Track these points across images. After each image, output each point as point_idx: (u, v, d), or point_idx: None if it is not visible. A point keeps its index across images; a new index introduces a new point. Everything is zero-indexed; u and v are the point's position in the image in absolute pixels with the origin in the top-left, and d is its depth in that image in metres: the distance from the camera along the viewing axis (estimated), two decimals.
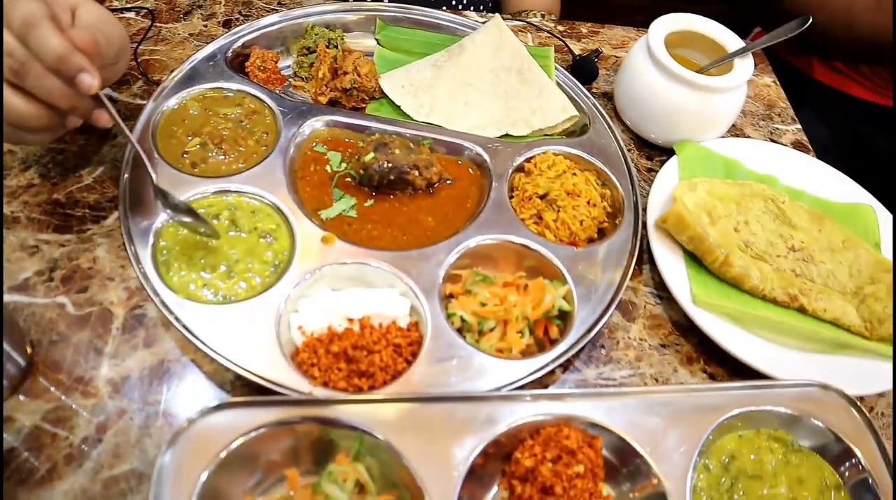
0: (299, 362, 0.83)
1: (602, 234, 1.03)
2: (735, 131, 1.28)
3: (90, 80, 0.78)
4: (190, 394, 0.83)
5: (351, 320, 0.85)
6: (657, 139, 1.19)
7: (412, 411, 0.77)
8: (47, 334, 0.85)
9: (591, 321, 0.91)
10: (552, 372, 0.87)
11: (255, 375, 0.80)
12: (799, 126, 1.32)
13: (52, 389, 0.82)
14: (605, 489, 0.77)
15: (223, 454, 0.71)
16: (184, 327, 0.82)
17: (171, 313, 0.83)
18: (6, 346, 0.79)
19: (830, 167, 1.20)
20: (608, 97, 1.28)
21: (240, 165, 1.00)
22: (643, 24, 1.42)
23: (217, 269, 0.88)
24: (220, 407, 0.73)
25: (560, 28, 1.42)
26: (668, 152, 1.17)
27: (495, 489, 0.79)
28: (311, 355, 0.83)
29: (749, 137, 1.28)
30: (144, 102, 1.07)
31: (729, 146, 1.19)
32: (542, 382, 0.87)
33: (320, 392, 0.80)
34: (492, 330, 0.89)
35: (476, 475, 0.75)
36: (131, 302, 0.89)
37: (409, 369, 0.83)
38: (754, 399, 0.82)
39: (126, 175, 0.95)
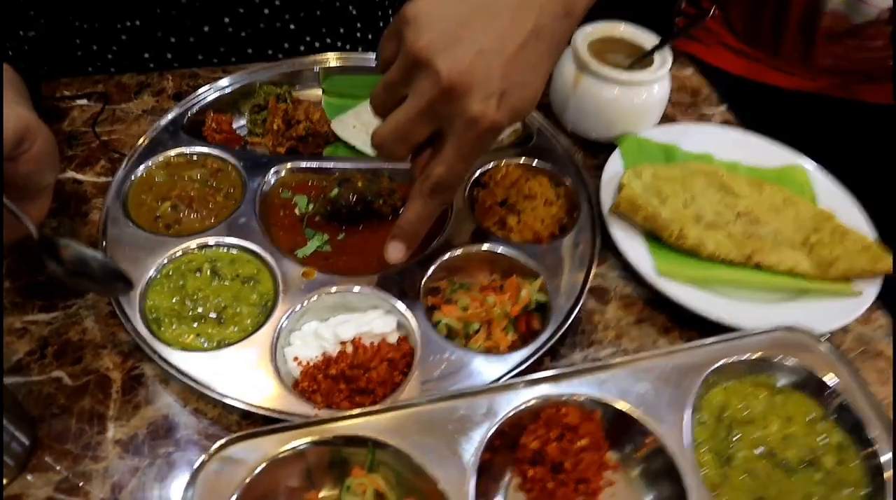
0: (301, 391, 0.86)
1: (564, 230, 1.10)
2: (667, 120, 1.37)
3: None
4: (199, 440, 0.85)
5: (343, 343, 0.88)
6: (599, 138, 1.27)
7: (416, 416, 0.79)
8: (48, 408, 0.86)
9: (567, 308, 0.96)
10: (541, 361, 0.92)
11: (260, 407, 0.82)
12: (725, 107, 1.42)
13: (62, 459, 0.82)
14: (611, 457, 0.81)
15: (235, 497, 0.72)
16: (185, 376, 0.85)
17: (171, 366, 0.86)
18: (9, 426, 0.80)
19: (758, 136, 1.29)
20: (547, 108, 1.36)
21: (212, 220, 1.04)
22: None
23: (207, 318, 0.91)
24: (225, 446, 0.74)
25: None
26: (611, 148, 1.25)
27: (508, 476, 0.82)
28: (311, 382, 0.86)
29: (680, 122, 1.37)
30: (110, 178, 1.10)
31: (664, 133, 1.27)
32: (534, 371, 0.91)
33: (325, 414, 0.82)
34: (477, 332, 0.94)
35: (488, 467, 0.79)
36: (127, 364, 0.91)
37: (406, 380, 0.87)
38: (730, 351, 0.87)
39: (104, 243, 0.99)
